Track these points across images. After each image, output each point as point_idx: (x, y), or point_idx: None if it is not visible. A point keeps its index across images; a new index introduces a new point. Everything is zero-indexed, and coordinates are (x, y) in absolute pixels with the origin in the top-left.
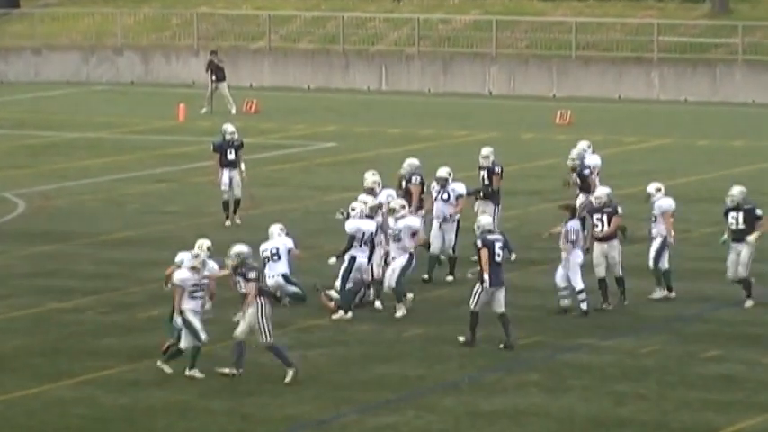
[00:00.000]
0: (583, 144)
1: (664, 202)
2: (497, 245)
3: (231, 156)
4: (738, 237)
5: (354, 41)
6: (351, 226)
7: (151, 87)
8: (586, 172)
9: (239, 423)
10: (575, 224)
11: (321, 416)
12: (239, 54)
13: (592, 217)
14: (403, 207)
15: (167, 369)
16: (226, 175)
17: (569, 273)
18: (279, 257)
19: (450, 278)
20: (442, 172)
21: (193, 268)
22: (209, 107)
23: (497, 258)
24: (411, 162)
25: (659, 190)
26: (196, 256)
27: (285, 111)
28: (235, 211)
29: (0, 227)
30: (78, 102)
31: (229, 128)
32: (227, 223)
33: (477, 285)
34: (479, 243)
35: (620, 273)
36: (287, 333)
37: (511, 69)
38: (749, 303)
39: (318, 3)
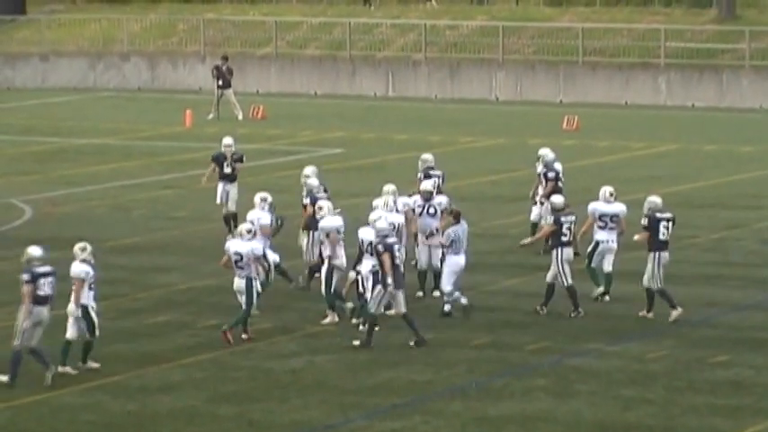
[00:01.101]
0: (547, 151)
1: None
2: (396, 247)
3: (228, 169)
4: (666, 246)
5: (361, 47)
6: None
7: (158, 93)
8: (551, 174)
9: (246, 429)
10: (457, 229)
11: (328, 421)
12: (246, 60)
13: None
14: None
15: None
16: (221, 188)
17: (446, 275)
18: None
19: (437, 293)
20: (428, 185)
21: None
22: (216, 113)
23: (397, 261)
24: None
25: (612, 194)
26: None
27: (292, 117)
28: (236, 225)
29: (7, 233)
30: (85, 108)
31: (227, 140)
32: (229, 237)
33: (380, 289)
34: (381, 248)
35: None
36: (295, 338)
37: (518, 75)
38: (677, 312)
39: (325, 9)
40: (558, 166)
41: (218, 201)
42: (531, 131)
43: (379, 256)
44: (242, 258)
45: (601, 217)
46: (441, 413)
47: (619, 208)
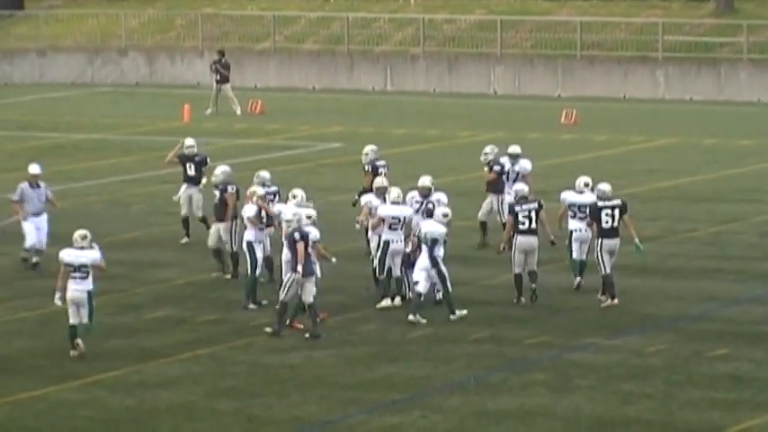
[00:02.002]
0: (514, 148)
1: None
2: (311, 236)
3: (191, 171)
4: (615, 233)
5: (359, 42)
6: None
7: (156, 88)
8: (497, 168)
9: (245, 424)
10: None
11: (327, 416)
12: (244, 55)
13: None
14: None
15: None
16: (184, 190)
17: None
18: None
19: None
20: (425, 181)
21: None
22: (214, 108)
23: (310, 250)
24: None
25: (587, 185)
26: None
27: (290, 111)
28: (208, 227)
29: (6, 229)
30: (83, 103)
31: (188, 141)
32: (184, 240)
33: (291, 275)
34: (297, 236)
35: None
36: (294, 333)
37: (516, 69)
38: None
39: (323, 3)
40: (524, 163)
41: (175, 198)
42: (529, 126)
43: (294, 243)
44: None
45: (570, 206)
46: (439, 408)
47: (590, 199)
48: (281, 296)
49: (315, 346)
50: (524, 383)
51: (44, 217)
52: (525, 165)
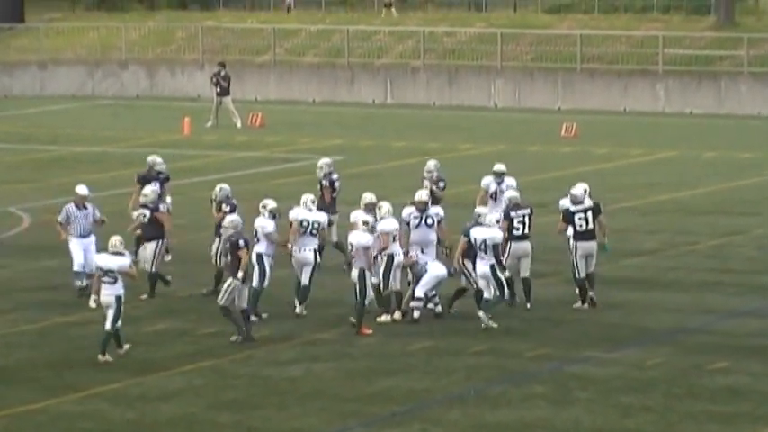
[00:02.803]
0: (433, 161)
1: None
2: (267, 230)
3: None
4: (590, 236)
5: (359, 54)
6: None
7: (156, 101)
8: (441, 185)
9: None
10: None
11: (327, 428)
12: (244, 68)
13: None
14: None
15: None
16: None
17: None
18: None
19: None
20: (422, 196)
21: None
22: (215, 120)
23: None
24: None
25: (585, 191)
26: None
27: (291, 124)
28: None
29: (5, 241)
30: (83, 116)
31: (157, 159)
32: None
33: (231, 281)
34: (241, 243)
35: (528, 274)
36: (294, 346)
37: (516, 82)
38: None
39: (323, 16)
40: (509, 181)
41: (135, 215)
42: (529, 138)
43: (237, 250)
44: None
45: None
46: (439, 421)
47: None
48: (221, 301)
49: (315, 359)
50: (524, 396)
51: (92, 239)
52: (511, 182)
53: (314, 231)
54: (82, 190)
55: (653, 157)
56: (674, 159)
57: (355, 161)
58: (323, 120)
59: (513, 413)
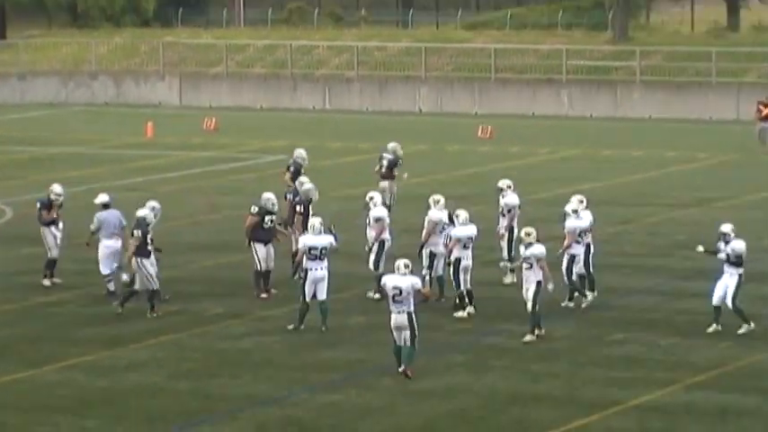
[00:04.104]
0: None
1: (572, 223)
2: (148, 236)
3: (54, 214)
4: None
5: (301, 66)
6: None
7: (123, 108)
8: (385, 162)
9: (203, 401)
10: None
11: (275, 394)
12: (200, 78)
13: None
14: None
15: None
16: (48, 231)
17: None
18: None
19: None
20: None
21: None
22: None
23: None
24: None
25: (575, 211)
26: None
27: (241, 128)
28: (52, 274)
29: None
30: (59, 121)
31: (57, 188)
32: (46, 282)
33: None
34: (137, 233)
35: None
36: (245, 322)
37: (438, 90)
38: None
39: (269, 33)
40: (511, 198)
41: (47, 245)
42: (450, 139)
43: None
44: (401, 293)
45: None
46: (372, 387)
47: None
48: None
49: (264, 333)
50: (446, 365)
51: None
52: (513, 200)
53: (322, 255)
54: (102, 198)
55: (558, 155)
56: (577, 157)
57: None
58: (269, 124)
59: (437, 380)
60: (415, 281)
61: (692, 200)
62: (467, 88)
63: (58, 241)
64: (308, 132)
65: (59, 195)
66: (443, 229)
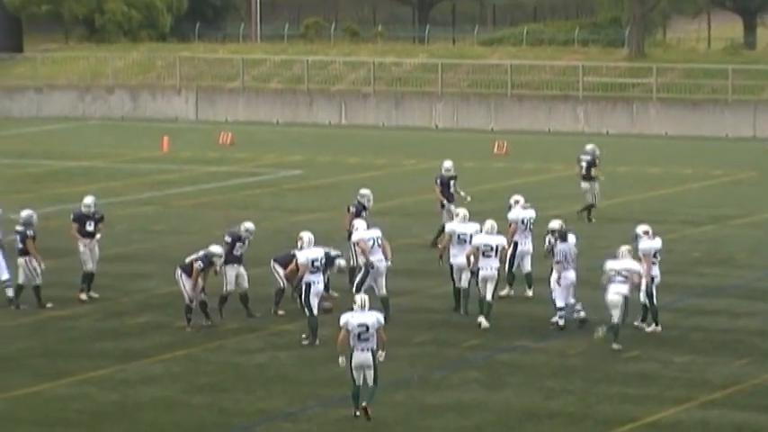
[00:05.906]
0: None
1: (646, 244)
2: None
3: (90, 227)
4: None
5: (318, 81)
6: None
7: (139, 122)
8: (584, 164)
9: (217, 416)
10: (564, 247)
11: (289, 409)
12: (216, 92)
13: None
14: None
15: None
16: (83, 244)
17: (559, 291)
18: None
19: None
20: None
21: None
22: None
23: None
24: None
25: (647, 232)
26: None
27: (257, 142)
28: (89, 288)
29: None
30: (75, 135)
31: (88, 199)
32: (83, 296)
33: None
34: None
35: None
36: (260, 337)
37: (454, 106)
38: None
39: (285, 47)
40: (528, 212)
41: (83, 257)
42: (466, 155)
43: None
44: (367, 329)
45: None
46: (386, 402)
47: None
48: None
49: (279, 347)
50: (461, 381)
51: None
52: (530, 214)
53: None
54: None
55: (574, 171)
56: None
57: (313, 175)
58: (285, 138)
59: (451, 395)
60: (379, 316)
61: (708, 217)
62: (483, 104)
63: (95, 255)
64: (323, 147)
65: (88, 207)
66: (466, 241)
